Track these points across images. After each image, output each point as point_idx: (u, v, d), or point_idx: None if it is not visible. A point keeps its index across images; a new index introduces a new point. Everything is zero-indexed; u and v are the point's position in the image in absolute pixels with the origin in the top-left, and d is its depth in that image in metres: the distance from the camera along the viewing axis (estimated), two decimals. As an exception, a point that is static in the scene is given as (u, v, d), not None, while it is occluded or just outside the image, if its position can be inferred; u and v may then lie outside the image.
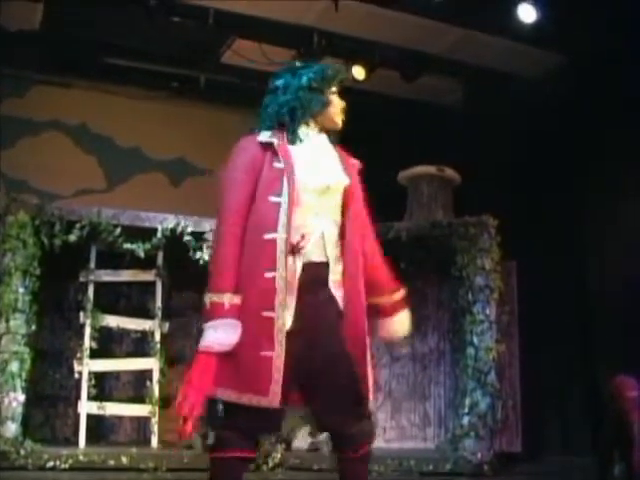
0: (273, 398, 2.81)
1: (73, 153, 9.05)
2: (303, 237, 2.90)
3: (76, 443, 7.13)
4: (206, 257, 7.34)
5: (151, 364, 7.57)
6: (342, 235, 3.00)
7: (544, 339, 7.69)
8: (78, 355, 7.33)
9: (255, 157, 3.01)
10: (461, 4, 7.27)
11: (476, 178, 7.78)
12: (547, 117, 7.84)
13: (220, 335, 2.84)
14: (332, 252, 2.98)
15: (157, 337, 7.59)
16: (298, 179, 2.91)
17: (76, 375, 7.34)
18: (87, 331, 7.34)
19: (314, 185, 2.96)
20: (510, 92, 8.32)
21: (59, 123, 9.03)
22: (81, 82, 8.95)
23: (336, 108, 3.14)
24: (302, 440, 7.75)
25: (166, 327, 7.69)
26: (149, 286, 7.79)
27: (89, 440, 7.20)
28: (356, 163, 3.20)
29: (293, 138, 3.02)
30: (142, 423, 7.88)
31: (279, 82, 3.13)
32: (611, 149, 7.39)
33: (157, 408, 7.46)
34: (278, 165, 2.94)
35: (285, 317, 2.85)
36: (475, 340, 7.15)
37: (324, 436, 7.81)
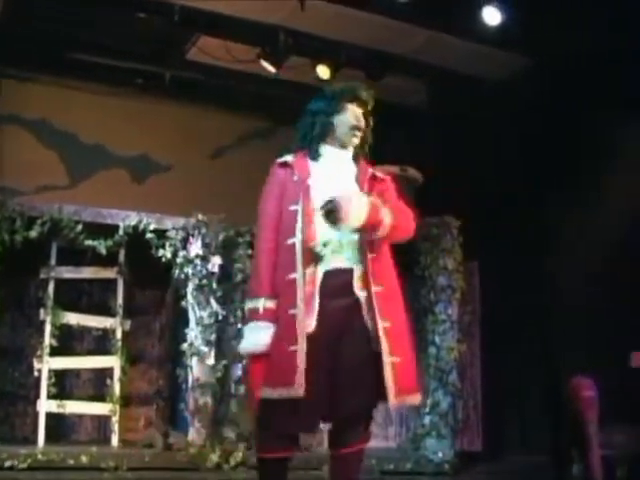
0: (298, 387, 2.97)
1: (34, 149, 8.93)
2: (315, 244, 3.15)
3: (35, 442, 7.06)
4: (168, 255, 7.32)
5: (112, 362, 7.52)
6: (365, 242, 3.18)
7: (505, 339, 7.76)
8: (38, 353, 7.26)
9: (279, 177, 3.36)
10: (427, 6, 7.30)
11: (439, 179, 7.82)
12: (510, 119, 7.90)
13: (253, 337, 3.14)
14: (354, 258, 3.17)
15: (118, 335, 7.55)
16: (312, 188, 3.21)
17: (36, 373, 7.27)
18: (47, 328, 7.27)
19: (326, 196, 3.13)
20: (474, 94, 8.37)
21: (20, 118, 8.90)
22: (43, 77, 8.83)
23: (344, 128, 3.35)
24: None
25: (127, 325, 7.64)
26: (110, 283, 7.74)
27: (48, 439, 7.13)
28: (379, 176, 3.40)
29: (313, 155, 3.35)
30: (102, 422, 7.83)
31: (307, 106, 3.51)
32: (572, 150, 7.47)
33: (118, 407, 7.42)
34: (295, 179, 3.28)
35: (308, 316, 3.05)
36: (437, 340, 7.21)
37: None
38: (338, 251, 3.17)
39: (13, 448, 6.68)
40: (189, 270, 7.29)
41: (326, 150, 3.37)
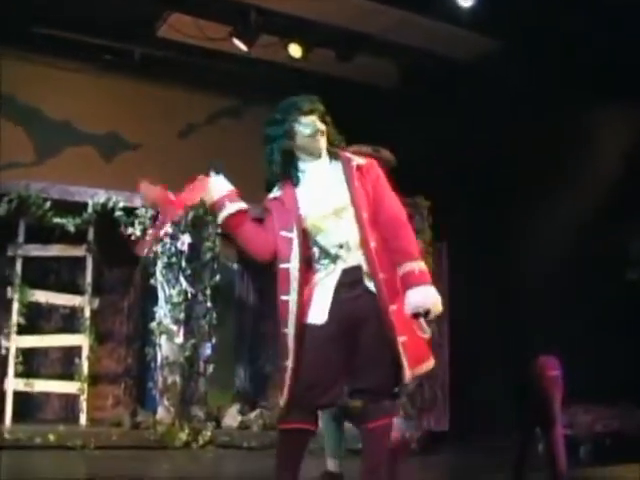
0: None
1: (1, 125, 8.82)
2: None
3: (2, 421, 7.03)
4: (137, 233, 7.28)
5: (80, 341, 7.50)
6: (367, 239, 3.39)
7: (473, 320, 7.82)
8: (5, 331, 7.23)
9: (270, 210, 3.54)
10: (399, -15, 7.30)
11: (409, 159, 7.82)
12: (481, 100, 7.92)
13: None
14: (361, 256, 3.39)
15: (87, 313, 7.52)
16: (307, 213, 3.42)
17: (3, 351, 7.24)
18: (15, 306, 7.23)
19: (321, 213, 3.40)
20: (445, 75, 8.39)
21: (-14, 93, 8.78)
22: (10, 52, 8.69)
23: (303, 140, 3.48)
24: (232, 418, 7.77)
25: (96, 303, 7.62)
26: (79, 261, 7.70)
27: (16, 418, 7.11)
28: (362, 165, 3.50)
29: (293, 181, 3.49)
30: (70, 400, 7.80)
31: (264, 133, 3.60)
32: (540, 133, 7.52)
33: (86, 385, 7.41)
34: (287, 207, 3.46)
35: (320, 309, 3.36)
36: (405, 320, 7.23)
37: (254, 414, 7.86)
38: (346, 252, 3.41)
39: (-21, 427, 6.66)
40: (158, 248, 7.27)
41: (305, 167, 3.51)
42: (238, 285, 8.68)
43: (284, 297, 3.40)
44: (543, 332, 6.93)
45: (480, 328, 7.80)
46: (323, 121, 3.53)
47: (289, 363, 3.34)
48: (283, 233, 3.45)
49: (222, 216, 3.51)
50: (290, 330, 3.36)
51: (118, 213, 7.38)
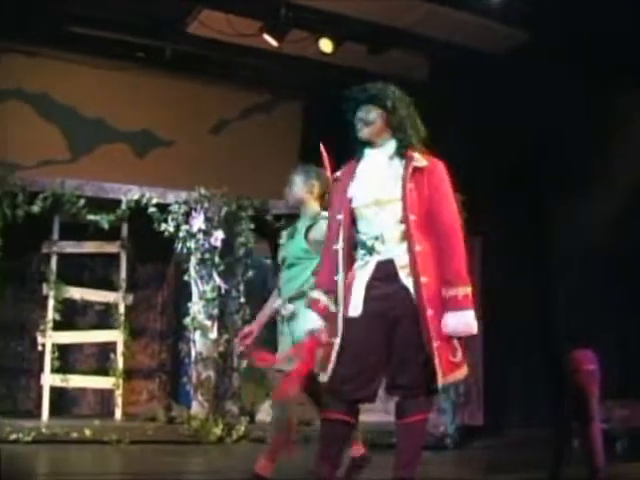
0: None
1: (36, 123, 8.90)
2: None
3: (39, 416, 7.10)
4: (171, 229, 7.32)
5: (115, 336, 7.54)
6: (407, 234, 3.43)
7: (507, 314, 7.77)
8: (41, 327, 7.28)
9: (333, 192, 3.74)
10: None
11: (441, 153, 7.79)
12: (512, 92, 7.86)
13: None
14: (397, 250, 3.44)
15: (121, 309, 7.57)
16: (353, 197, 3.51)
17: (39, 347, 7.30)
18: (50, 303, 7.29)
19: (363, 201, 3.49)
20: (475, 68, 8.32)
21: (22, 92, 8.86)
22: (45, 51, 8.78)
23: (357, 125, 3.57)
24: (266, 413, 7.78)
25: (130, 299, 7.66)
26: (113, 258, 7.75)
27: (52, 413, 7.18)
28: (422, 167, 3.52)
29: (356, 157, 3.61)
30: (105, 395, 7.87)
31: None
32: (573, 124, 7.44)
33: (121, 380, 7.45)
34: (341, 190, 3.59)
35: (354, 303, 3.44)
36: (439, 314, 7.19)
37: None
38: (380, 245, 3.47)
39: (17, 422, 6.74)
40: (191, 244, 7.30)
41: (368, 152, 3.60)
42: (271, 280, 8.68)
43: (334, 277, 3.49)
44: (579, 326, 6.86)
45: (514, 322, 7.75)
46: (386, 111, 3.56)
47: (337, 340, 3.41)
48: (337, 215, 3.56)
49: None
50: (340, 308, 3.44)
51: (151, 209, 7.41)
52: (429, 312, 3.36)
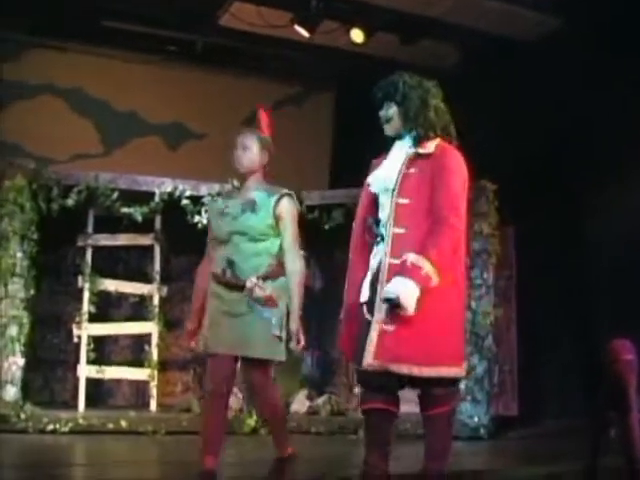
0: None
1: (69, 117, 8.98)
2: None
3: (75, 407, 7.19)
4: (204, 221, 7.34)
5: (150, 328, 7.60)
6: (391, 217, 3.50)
7: (541, 304, 7.71)
8: (77, 319, 7.36)
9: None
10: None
11: (474, 142, 7.72)
12: (545, 81, 7.79)
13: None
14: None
15: (155, 301, 7.62)
16: (370, 183, 3.65)
17: (75, 339, 7.38)
18: (85, 295, 7.36)
19: (376, 188, 3.62)
20: (507, 56, 8.25)
21: (54, 87, 8.94)
22: (77, 45, 8.84)
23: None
24: (300, 404, 7.81)
25: (164, 291, 7.71)
26: (147, 250, 7.80)
27: (88, 404, 7.25)
28: (425, 153, 3.53)
29: (387, 152, 3.70)
30: (140, 387, 7.93)
31: None
32: (611, 113, 7.35)
33: (156, 372, 7.51)
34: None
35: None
36: (473, 304, 7.17)
37: (322, 400, 7.88)
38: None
39: (54, 412, 6.82)
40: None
41: (395, 144, 3.68)
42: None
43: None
44: (615, 315, 6.80)
45: (549, 311, 7.69)
46: (398, 105, 3.60)
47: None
48: (360, 199, 3.73)
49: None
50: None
51: (184, 202, 7.45)
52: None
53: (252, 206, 4.00)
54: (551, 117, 7.75)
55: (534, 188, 7.75)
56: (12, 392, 6.65)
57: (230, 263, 3.92)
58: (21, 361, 6.76)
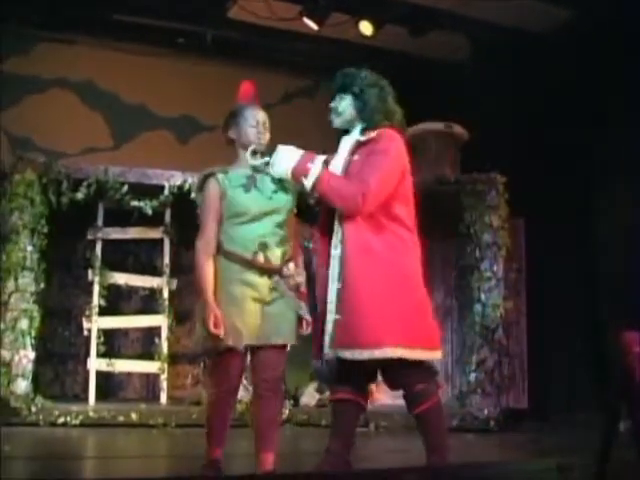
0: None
1: (79, 111, 8.99)
2: None
3: (86, 400, 7.20)
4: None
5: (159, 321, 7.60)
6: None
7: (551, 296, 7.70)
8: (87, 312, 7.37)
9: None
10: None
11: (484, 135, 7.72)
12: (555, 72, 7.75)
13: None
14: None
15: (165, 294, 7.62)
16: None
17: (85, 332, 7.39)
18: (95, 289, 7.37)
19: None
20: (517, 47, 8.22)
21: (65, 80, 8.95)
22: (87, 39, 8.85)
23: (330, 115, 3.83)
24: (310, 396, 7.81)
25: (174, 284, 7.71)
26: (157, 243, 7.81)
27: (98, 397, 7.27)
28: (364, 140, 3.64)
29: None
30: (151, 380, 7.95)
31: None
32: (622, 104, 7.32)
33: (166, 365, 7.51)
34: None
35: None
36: (482, 297, 7.16)
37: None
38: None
39: (65, 405, 6.84)
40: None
41: (343, 138, 3.81)
42: (315, 263, 8.68)
43: None
44: (625, 308, 6.77)
45: (559, 304, 7.67)
46: (354, 98, 3.69)
47: None
48: None
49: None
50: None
51: (194, 195, 7.44)
52: (337, 286, 3.64)
53: (283, 184, 3.80)
54: (562, 110, 7.72)
55: (545, 180, 7.73)
56: (23, 385, 6.66)
57: (263, 246, 3.68)
58: (32, 354, 6.77)
